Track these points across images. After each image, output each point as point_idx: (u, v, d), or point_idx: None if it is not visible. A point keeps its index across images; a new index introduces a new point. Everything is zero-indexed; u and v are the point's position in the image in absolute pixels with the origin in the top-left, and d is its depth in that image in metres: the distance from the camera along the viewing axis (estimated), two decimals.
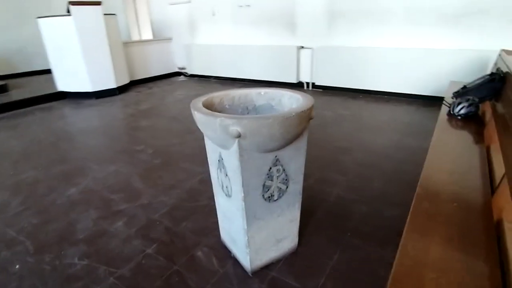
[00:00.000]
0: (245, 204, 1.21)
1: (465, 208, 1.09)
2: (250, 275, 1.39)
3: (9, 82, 5.47)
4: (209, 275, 1.41)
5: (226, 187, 1.30)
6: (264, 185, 1.23)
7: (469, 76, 3.33)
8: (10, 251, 1.63)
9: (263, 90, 1.46)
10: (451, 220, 1.03)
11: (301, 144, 1.27)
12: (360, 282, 1.35)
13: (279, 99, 1.44)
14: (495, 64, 2.79)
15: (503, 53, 2.65)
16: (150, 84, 5.97)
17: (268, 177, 1.23)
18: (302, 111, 1.10)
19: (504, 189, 1.12)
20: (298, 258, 1.48)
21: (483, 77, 2.10)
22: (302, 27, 4.84)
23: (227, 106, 1.43)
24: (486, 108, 2.03)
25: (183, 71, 6.73)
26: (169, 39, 6.53)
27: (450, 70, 3.69)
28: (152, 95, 5.09)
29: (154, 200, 2.05)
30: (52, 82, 4.98)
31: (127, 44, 5.70)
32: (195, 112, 1.15)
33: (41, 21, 4.60)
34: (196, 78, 6.47)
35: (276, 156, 1.20)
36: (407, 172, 2.25)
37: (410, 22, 3.90)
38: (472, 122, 1.92)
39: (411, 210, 1.08)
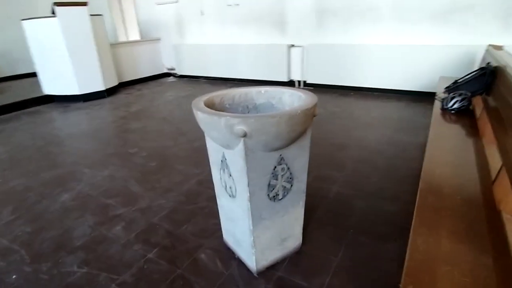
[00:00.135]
0: (250, 204, 1.20)
1: (468, 201, 1.11)
2: (256, 275, 1.38)
3: None
4: (214, 278, 1.39)
5: (230, 187, 1.28)
6: (269, 184, 1.22)
7: (457, 71, 3.42)
8: (5, 261, 1.57)
9: (263, 89, 1.45)
10: (456, 213, 1.05)
11: (305, 142, 1.26)
12: (366, 278, 1.35)
13: (279, 97, 1.43)
14: (483, 59, 2.86)
15: (491, 48, 2.72)
16: (139, 86, 5.87)
17: (273, 176, 1.22)
18: (307, 109, 1.09)
19: (501, 181, 1.15)
20: (303, 257, 1.48)
21: (474, 71, 2.15)
22: (292, 25, 4.85)
23: (227, 106, 1.41)
24: (477, 102, 2.07)
25: (172, 71, 6.64)
26: (157, 39, 6.43)
27: (438, 66, 3.76)
28: (141, 97, 5.00)
29: (152, 203, 2.01)
30: (38, 85, 4.84)
31: (115, 45, 5.58)
32: (198, 112, 1.13)
33: (25, 23, 4.45)
34: (185, 78, 6.40)
35: (280, 155, 1.19)
36: (401, 167, 2.28)
37: (398, 19, 3.96)
38: (465, 116, 1.96)
39: (416, 205, 1.09)
